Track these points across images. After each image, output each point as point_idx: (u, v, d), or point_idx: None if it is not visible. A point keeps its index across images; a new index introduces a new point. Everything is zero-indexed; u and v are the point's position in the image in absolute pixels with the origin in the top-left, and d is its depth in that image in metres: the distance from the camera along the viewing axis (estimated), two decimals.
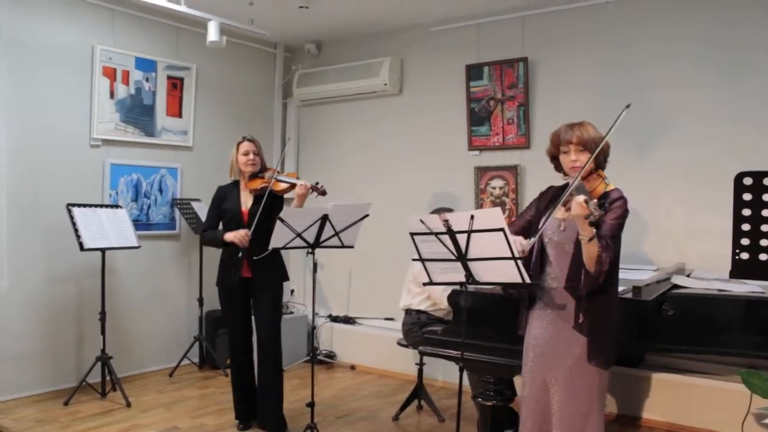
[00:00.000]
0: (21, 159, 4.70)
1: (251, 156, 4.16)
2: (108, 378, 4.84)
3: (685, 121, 4.47)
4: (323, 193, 4.10)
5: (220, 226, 4.25)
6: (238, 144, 4.22)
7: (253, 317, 4.25)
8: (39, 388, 4.82)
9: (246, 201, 4.18)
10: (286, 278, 4.30)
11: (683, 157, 4.47)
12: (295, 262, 6.31)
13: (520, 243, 2.75)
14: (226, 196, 4.25)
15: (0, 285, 4.54)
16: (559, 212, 2.78)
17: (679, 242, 4.49)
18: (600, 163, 2.83)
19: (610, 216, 2.71)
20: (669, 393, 4.41)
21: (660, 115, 4.55)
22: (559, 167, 2.93)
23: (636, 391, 4.52)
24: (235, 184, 4.28)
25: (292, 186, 4.09)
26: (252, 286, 4.15)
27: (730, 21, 4.31)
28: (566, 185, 2.77)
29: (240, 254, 4.02)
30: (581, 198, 2.52)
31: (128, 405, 4.65)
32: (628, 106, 2.67)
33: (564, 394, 2.80)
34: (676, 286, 3.49)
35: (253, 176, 4.18)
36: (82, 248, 4.54)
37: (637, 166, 4.51)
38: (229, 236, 4.04)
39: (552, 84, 5.02)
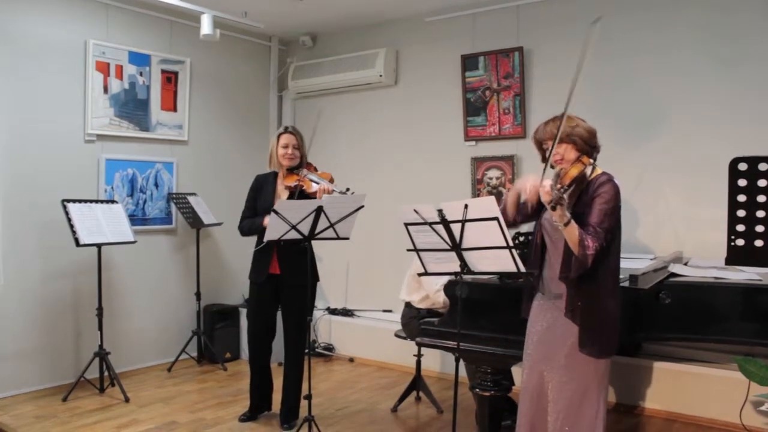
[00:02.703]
0: (15, 155, 4.68)
1: (290, 150, 4.07)
2: (106, 373, 4.84)
3: (682, 109, 4.45)
4: None
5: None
6: (279, 135, 4.13)
7: (280, 314, 4.23)
8: (37, 384, 4.82)
9: (280, 195, 4.13)
10: (317, 278, 4.25)
11: (680, 145, 4.45)
12: None
13: (525, 179, 2.71)
14: (262, 188, 4.21)
15: None
16: None
17: (676, 231, 4.48)
18: (583, 149, 2.77)
19: (598, 201, 2.69)
20: (667, 381, 4.40)
21: (657, 103, 4.53)
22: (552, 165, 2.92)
23: (634, 380, 4.52)
24: (274, 176, 4.22)
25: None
26: (280, 284, 4.13)
27: (727, 8, 4.28)
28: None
29: (262, 245, 3.92)
30: (546, 183, 2.52)
31: (127, 400, 4.65)
32: (598, 19, 2.52)
33: (559, 381, 2.80)
34: (673, 275, 3.48)
35: (291, 171, 4.10)
36: (78, 244, 4.53)
37: (633, 155, 4.49)
38: (268, 220, 3.98)
39: (548, 73, 4.99)
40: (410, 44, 5.77)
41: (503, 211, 2.81)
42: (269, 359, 4.34)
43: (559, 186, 2.50)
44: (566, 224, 2.57)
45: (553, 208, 2.50)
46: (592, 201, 2.70)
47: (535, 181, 2.68)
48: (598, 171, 2.79)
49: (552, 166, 2.75)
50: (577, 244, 2.61)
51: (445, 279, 3.87)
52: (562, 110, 2.64)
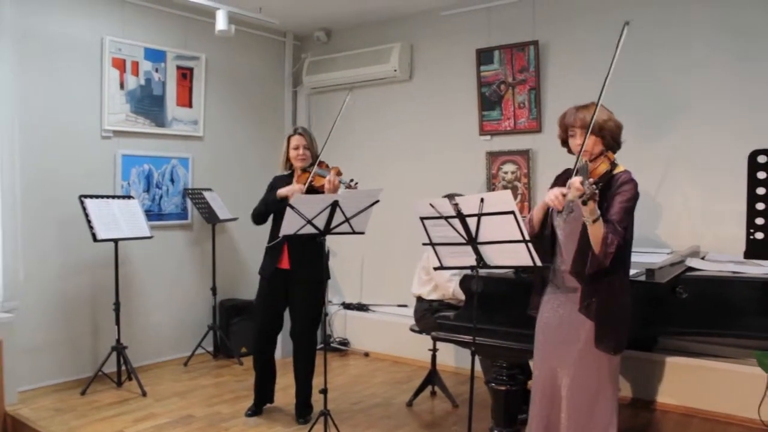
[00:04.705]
0: (33, 152, 4.71)
1: (301, 150, 4.15)
2: (123, 368, 4.88)
3: (699, 103, 4.40)
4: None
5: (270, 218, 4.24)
6: (289, 137, 4.23)
7: (289, 310, 4.27)
8: (56, 378, 4.87)
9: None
10: (327, 276, 4.26)
11: (697, 139, 4.41)
12: None
13: (555, 190, 2.65)
14: (277, 187, 4.26)
15: (16, 277, 4.57)
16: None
17: (693, 225, 4.43)
18: (609, 144, 2.79)
19: (619, 198, 2.68)
20: (684, 377, 4.37)
21: (674, 97, 4.48)
22: (570, 151, 2.91)
23: (650, 375, 4.49)
24: (290, 176, 4.29)
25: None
26: (290, 279, 4.15)
27: (744, 3, 4.23)
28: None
29: (277, 240, 3.97)
30: (576, 179, 2.50)
31: (144, 394, 4.69)
32: (627, 24, 2.62)
33: (572, 378, 2.78)
34: (690, 269, 3.45)
35: (304, 170, 4.16)
36: (95, 239, 4.57)
37: (651, 149, 4.46)
38: (283, 191, 4.03)
39: (563, 67, 4.96)
40: (425, 39, 5.75)
41: (530, 225, 2.81)
42: (274, 353, 4.38)
43: (590, 181, 2.48)
44: (595, 220, 2.56)
45: (584, 203, 2.49)
46: (612, 197, 2.68)
47: (560, 190, 2.65)
48: (620, 168, 2.78)
49: (577, 161, 2.73)
50: (600, 241, 2.59)
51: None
52: (589, 101, 2.63)
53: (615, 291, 2.73)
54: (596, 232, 2.59)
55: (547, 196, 2.71)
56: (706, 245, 4.30)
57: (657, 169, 4.41)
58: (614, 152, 2.81)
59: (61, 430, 4.03)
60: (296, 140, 4.18)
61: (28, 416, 4.25)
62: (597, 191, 2.48)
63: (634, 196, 2.70)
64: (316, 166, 4.07)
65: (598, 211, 2.56)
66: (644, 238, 4.35)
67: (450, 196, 3.32)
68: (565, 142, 2.91)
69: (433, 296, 4.31)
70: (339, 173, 4.05)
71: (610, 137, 2.77)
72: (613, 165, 2.75)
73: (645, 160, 4.35)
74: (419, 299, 4.41)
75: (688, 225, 4.45)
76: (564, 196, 2.61)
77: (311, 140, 4.23)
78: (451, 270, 4.08)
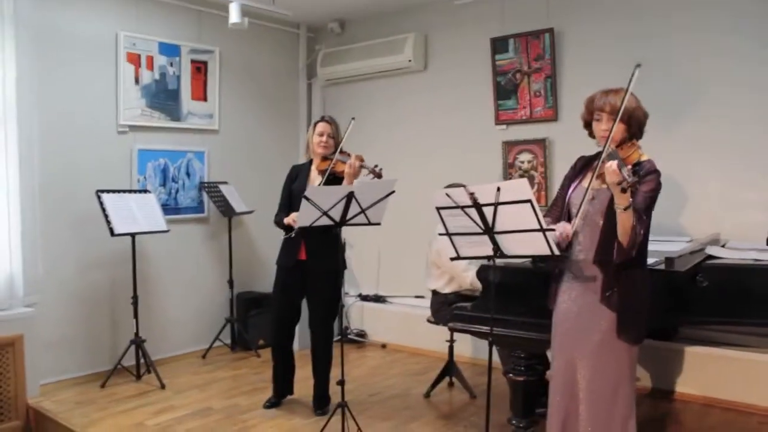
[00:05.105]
0: (50, 148, 4.74)
1: (325, 138, 4.16)
2: (142, 361, 4.91)
3: (719, 90, 4.32)
4: (379, 176, 3.97)
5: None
6: (315, 123, 4.26)
7: (306, 301, 4.29)
8: (76, 371, 4.92)
9: (314, 181, 4.19)
10: (344, 266, 4.26)
11: (718, 127, 4.34)
12: None
13: (563, 227, 2.70)
14: (297, 176, 4.28)
15: (35, 272, 4.60)
16: (589, 181, 2.71)
17: (713, 213, 4.37)
18: (634, 133, 2.76)
19: (643, 188, 2.64)
20: (704, 366, 4.33)
21: (694, 84, 4.41)
22: (592, 134, 2.87)
23: (670, 365, 4.45)
24: (309, 164, 4.30)
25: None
26: (307, 270, 4.16)
27: None
28: (598, 154, 2.70)
29: (293, 233, 3.99)
30: (614, 164, 2.46)
31: (163, 387, 4.72)
32: (638, 66, 2.62)
33: (591, 369, 2.75)
34: (710, 257, 3.41)
35: (325, 158, 4.17)
36: (112, 234, 4.59)
37: (670, 136, 4.39)
38: (287, 220, 4.08)
39: (579, 54, 4.91)
40: (439, 28, 5.72)
41: None
42: (292, 344, 4.40)
43: (629, 168, 2.46)
44: (626, 208, 2.53)
45: (623, 191, 2.46)
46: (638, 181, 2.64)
47: (566, 229, 2.72)
48: (644, 156, 2.74)
49: (606, 147, 2.69)
50: (629, 230, 2.56)
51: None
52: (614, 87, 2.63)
53: (635, 281, 2.71)
54: (626, 221, 2.55)
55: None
56: (727, 233, 4.24)
57: (676, 157, 4.35)
58: (637, 140, 2.77)
59: (82, 422, 4.07)
60: (322, 127, 4.19)
61: (49, 408, 4.30)
62: (638, 179, 2.47)
63: (658, 186, 2.66)
64: (338, 153, 4.06)
65: (631, 200, 2.53)
66: (663, 225, 4.29)
67: (454, 186, 3.30)
68: (588, 124, 2.87)
69: (449, 289, 4.29)
70: (361, 159, 4.03)
71: (637, 126, 2.74)
72: (640, 153, 2.72)
73: (664, 146, 4.27)
74: (434, 293, 4.40)
75: (707, 212, 4.39)
76: (568, 236, 2.69)
77: (337, 130, 4.24)
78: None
